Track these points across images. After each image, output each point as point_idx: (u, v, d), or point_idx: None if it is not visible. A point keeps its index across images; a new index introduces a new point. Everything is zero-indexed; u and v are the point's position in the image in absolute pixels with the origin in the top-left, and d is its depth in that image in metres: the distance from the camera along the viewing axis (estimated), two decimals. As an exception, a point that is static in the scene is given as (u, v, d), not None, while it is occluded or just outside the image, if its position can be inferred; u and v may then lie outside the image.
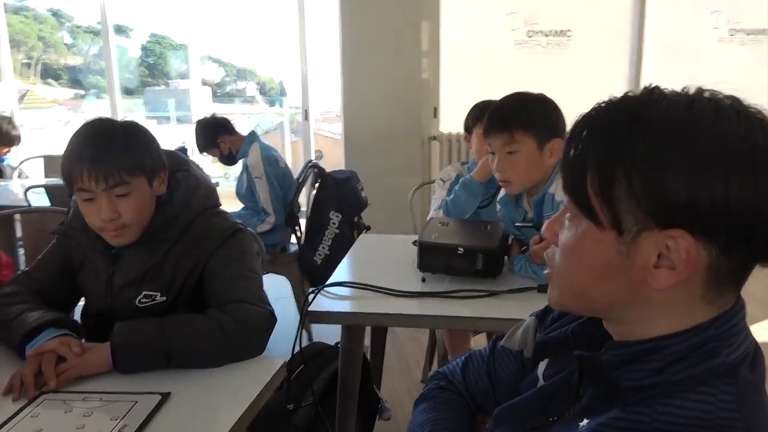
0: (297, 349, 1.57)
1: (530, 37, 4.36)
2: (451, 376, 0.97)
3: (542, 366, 0.84)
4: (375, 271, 1.79)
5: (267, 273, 3.31)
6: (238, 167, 3.41)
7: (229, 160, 3.36)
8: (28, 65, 9.52)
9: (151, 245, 1.36)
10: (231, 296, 1.30)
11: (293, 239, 3.24)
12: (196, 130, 3.34)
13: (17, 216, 2.37)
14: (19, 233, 2.42)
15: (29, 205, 2.82)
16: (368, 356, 2.29)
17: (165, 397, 1.09)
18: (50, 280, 1.41)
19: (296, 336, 1.58)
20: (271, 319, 1.30)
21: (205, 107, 6.93)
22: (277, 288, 3.00)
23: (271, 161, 3.20)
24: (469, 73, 4.39)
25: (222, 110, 7.97)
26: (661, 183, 0.59)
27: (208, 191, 1.46)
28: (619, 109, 0.63)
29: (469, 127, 2.27)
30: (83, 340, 1.27)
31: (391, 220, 2.92)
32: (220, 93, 9.28)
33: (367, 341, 2.56)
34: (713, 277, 0.62)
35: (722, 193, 0.57)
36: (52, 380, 1.12)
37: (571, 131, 0.66)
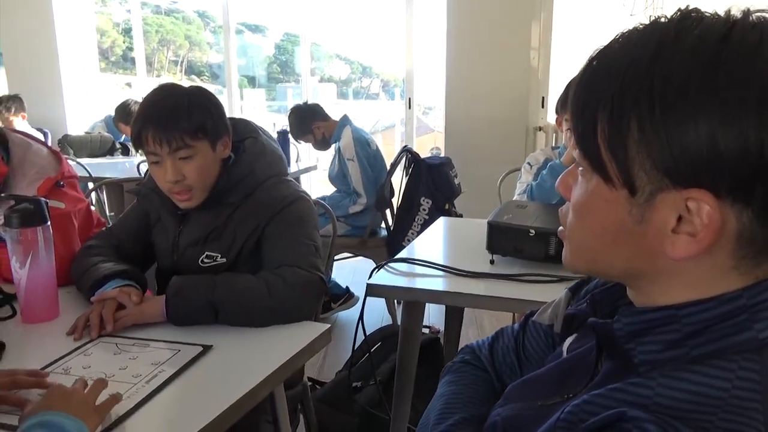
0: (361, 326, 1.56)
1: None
2: (478, 350, 0.90)
3: (569, 341, 0.76)
4: (446, 251, 1.74)
5: (356, 256, 3.36)
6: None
7: (323, 145, 3.43)
8: (176, 62, 10.32)
9: (215, 208, 1.40)
10: (284, 260, 1.32)
11: (383, 224, 3.24)
12: (289, 117, 3.44)
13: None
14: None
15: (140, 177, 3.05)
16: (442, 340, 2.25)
17: (206, 349, 1.12)
18: (127, 236, 1.50)
19: (360, 312, 1.57)
20: (319, 286, 1.30)
21: (329, 103, 7.14)
22: (365, 271, 3.02)
23: (363, 143, 3.23)
24: (583, 61, 4.16)
25: (346, 107, 8.19)
26: (679, 133, 0.49)
27: (274, 159, 1.49)
28: (641, 40, 0.53)
29: (559, 110, 2.15)
30: (149, 293, 1.34)
31: (486, 210, 2.84)
32: (345, 89, 9.54)
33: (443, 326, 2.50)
34: (746, 246, 0.52)
35: (756, 142, 0.47)
36: (109, 324, 1.19)
37: (584, 66, 0.57)
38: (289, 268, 1.29)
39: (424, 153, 4.64)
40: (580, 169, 0.59)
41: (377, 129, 8.59)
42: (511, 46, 4.09)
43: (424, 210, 3.08)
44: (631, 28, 0.56)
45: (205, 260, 1.40)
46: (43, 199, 1.27)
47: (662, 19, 0.53)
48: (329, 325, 1.24)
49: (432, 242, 1.92)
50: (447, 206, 3.12)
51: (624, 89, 0.52)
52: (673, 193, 0.51)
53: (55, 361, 1.08)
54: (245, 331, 1.21)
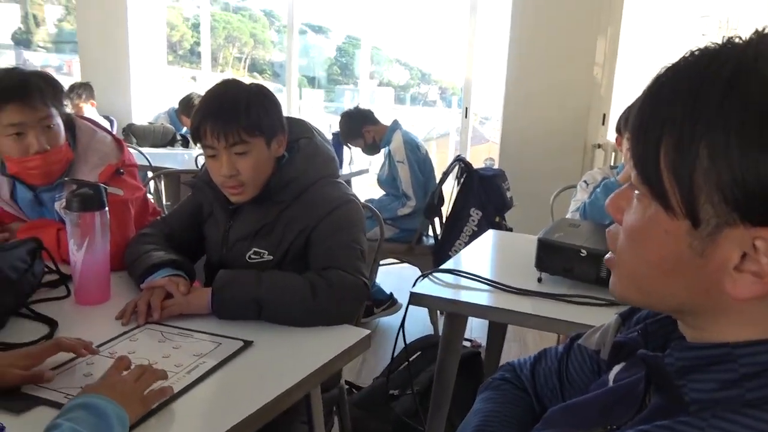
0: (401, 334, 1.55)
1: (725, 42, 3.90)
2: (519, 369, 0.88)
3: (616, 369, 0.73)
4: (492, 265, 1.72)
5: (402, 262, 3.35)
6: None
7: (372, 149, 3.45)
8: (240, 59, 10.59)
9: (266, 205, 1.42)
10: (330, 262, 1.32)
11: (431, 232, 3.22)
12: (340, 121, 3.47)
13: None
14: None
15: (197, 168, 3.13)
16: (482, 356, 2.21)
17: (247, 344, 1.13)
18: (180, 226, 1.53)
19: (402, 320, 1.56)
20: (363, 290, 1.30)
21: (386, 108, 7.17)
22: (410, 278, 3.01)
23: (413, 146, 3.23)
24: (649, 79, 4.04)
25: (402, 112, 8.20)
26: (756, 165, 0.46)
27: (326, 160, 1.49)
28: (715, 61, 0.50)
29: (619, 129, 2.09)
30: (196, 284, 1.37)
31: (537, 226, 2.79)
32: (402, 95, 9.58)
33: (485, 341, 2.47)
34: None
35: None
36: (156, 312, 1.21)
37: (650, 84, 0.55)
38: (334, 271, 1.29)
39: (477, 163, 4.61)
40: (636, 192, 0.57)
41: (432, 136, 8.57)
42: (574, 59, 4.00)
43: (473, 221, 3.05)
44: (702, 46, 0.53)
45: (253, 256, 1.42)
46: (102, 185, 1.31)
47: (737, 40, 0.50)
48: (369, 331, 1.23)
49: (479, 255, 1.90)
50: (497, 219, 3.08)
51: (695, 112, 0.49)
52: (741, 230, 0.48)
53: (103, 343, 1.11)
54: (286, 329, 1.22)
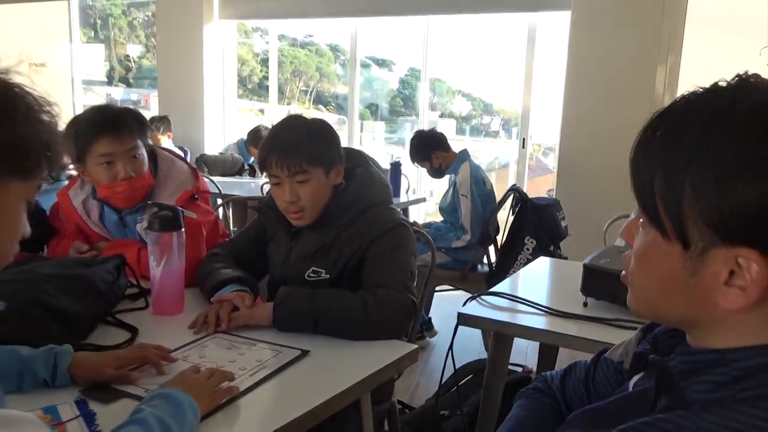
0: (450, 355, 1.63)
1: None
2: (550, 380, 0.95)
3: (635, 378, 0.79)
4: (540, 289, 1.77)
5: (456, 289, 3.41)
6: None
7: (437, 173, 3.52)
8: (306, 92, 10.99)
9: (324, 228, 1.54)
10: (381, 280, 1.42)
11: (485, 259, 3.28)
12: (412, 140, 3.55)
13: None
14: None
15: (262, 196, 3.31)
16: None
17: (304, 353, 1.24)
18: (246, 247, 1.68)
19: (450, 341, 1.64)
20: (411, 308, 1.39)
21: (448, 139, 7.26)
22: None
23: (479, 181, 3.29)
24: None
25: (464, 143, 8.29)
26: (727, 195, 0.54)
27: (381, 187, 1.61)
28: (699, 106, 0.58)
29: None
30: (258, 300, 1.49)
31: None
32: (464, 126, 9.66)
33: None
34: None
35: None
36: (224, 323, 1.35)
37: (645, 126, 0.63)
38: (385, 289, 1.39)
39: (539, 194, 4.63)
40: (641, 220, 0.65)
41: (494, 167, 8.59)
42: (633, 89, 4.00)
43: (527, 249, 3.09)
44: (691, 91, 0.61)
45: (311, 275, 1.54)
46: (180, 208, 1.46)
47: (722, 83, 0.58)
48: (417, 346, 1.32)
49: (528, 280, 1.95)
50: (552, 248, 3.11)
51: (679, 154, 0.57)
52: (723, 250, 0.56)
53: (177, 348, 1.25)
54: (340, 341, 1.32)
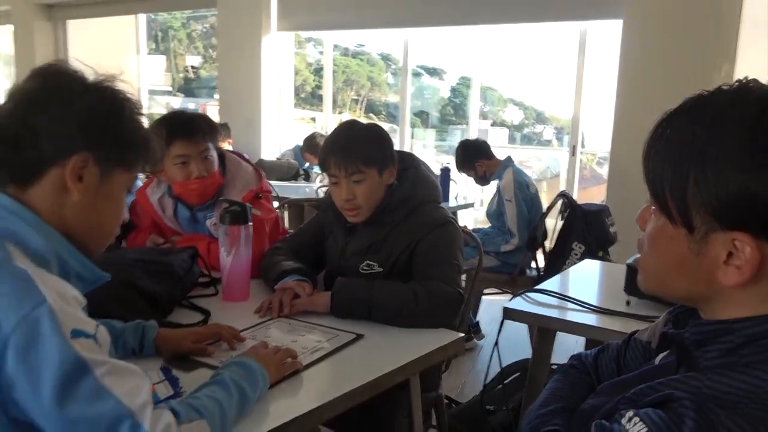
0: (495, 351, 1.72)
1: None
2: (584, 357, 1.04)
3: (661, 356, 0.87)
4: (584, 289, 1.83)
5: (504, 293, 3.47)
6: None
7: (482, 181, 3.61)
8: (357, 101, 11.20)
9: (377, 225, 1.66)
10: (431, 274, 1.53)
11: (533, 264, 3.33)
12: (457, 150, 3.66)
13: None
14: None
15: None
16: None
17: (358, 337, 1.36)
18: (305, 242, 1.81)
19: (496, 337, 1.72)
20: (458, 299, 1.49)
21: (498, 147, 7.30)
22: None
23: (522, 185, 3.36)
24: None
25: (516, 152, 8.30)
26: (724, 184, 0.63)
27: (430, 187, 1.72)
28: (703, 107, 0.67)
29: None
30: (315, 289, 1.62)
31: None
32: (515, 134, 9.65)
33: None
34: None
35: None
36: (286, 308, 1.48)
37: (657, 124, 0.72)
38: (434, 281, 1.50)
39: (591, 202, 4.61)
40: (653, 207, 0.74)
41: (546, 176, 8.57)
42: (685, 97, 3.98)
43: (576, 255, 3.13)
44: (698, 93, 0.70)
45: (365, 268, 1.65)
46: (248, 204, 1.61)
47: (725, 87, 0.67)
48: (463, 335, 1.42)
49: (573, 280, 2.02)
50: (600, 253, 3.13)
51: (684, 150, 0.67)
52: (722, 234, 0.65)
53: (243, 329, 1.38)
54: (391, 328, 1.43)
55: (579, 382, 0.99)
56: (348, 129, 1.67)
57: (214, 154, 1.87)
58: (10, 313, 0.76)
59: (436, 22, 5.21)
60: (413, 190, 1.68)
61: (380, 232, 1.65)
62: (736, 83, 0.67)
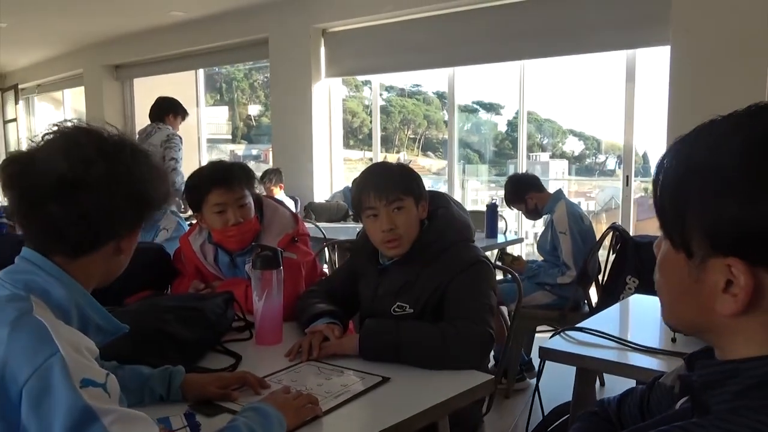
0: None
1: None
2: (607, 404, 0.99)
3: (681, 402, 0.83)
4: (629, 326, 1.76)
5: (555, 329, 3.36)
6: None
7: (533, 215, 3.54)
8: (414, 140, 11.34)
9: (408, 266, 1.65)
10: (461, 313, 1.51)
11: (586, 300, 3.22)
12: (506, 185, 3.62)
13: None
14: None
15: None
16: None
17: (385, 380, 1.35)
18: (339, 284, 1.83)
19: (537, 378, 1.67)
20: (489, 340, 1.46)
21: (559, 179, 7.18)
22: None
23: (576, 218, 3.28)
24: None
25: (576, 183, 8.15)
26: (720, 211, 0.60)
27: (462, 226, 1.70)
28: (710, 130, 0.65)
29: None
30: (350, 329, 1.63)
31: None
32: (576, 166, 9.50)
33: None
34: None
35: None
36: (315, 351, 1.48)
37: (664, 152, 0.69)
38: (464, 321, 1.47)
39: (653, 233, 4.44)
40: (661, 234, 0.71)
41: (611, 206, 8.31)
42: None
43: (630, 289, 3.01)
44: (709, 120, 0.68)
45: (396, 309, 1.65)
46: (279, 249, 1.64)
47: (740, 110, 0.65)
48: (492, 377, 1.38)
49: (617, 316, 1.94)
50: (656, 287, 3.00)
51: (685, 175, 0.65)
52: (718, 260, 0.61)
53: (273, 373, 1.39)
54: (420, 370, 1.41)
55: (597, 429, 0.94)
56: (380, 166, 1.77)
57: (250, 200, 1.92)
58: (25, 364, 0.80)
59: (479, 60, 5.24)
60: (443, 230, 1.67)
61: (411, 273, 1.65)
62: (746, 109, 0.65)
